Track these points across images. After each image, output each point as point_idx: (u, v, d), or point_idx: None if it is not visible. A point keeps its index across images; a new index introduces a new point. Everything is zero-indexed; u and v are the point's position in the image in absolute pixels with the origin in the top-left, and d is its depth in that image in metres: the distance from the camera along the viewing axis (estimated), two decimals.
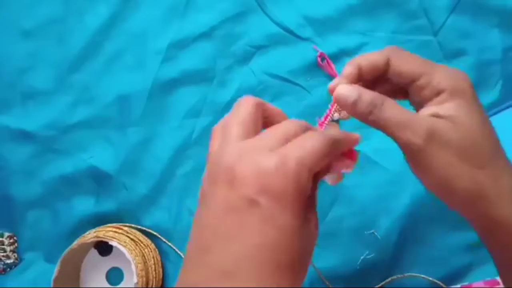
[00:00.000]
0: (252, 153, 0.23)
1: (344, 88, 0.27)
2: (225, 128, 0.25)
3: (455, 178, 0.26)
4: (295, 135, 0.24)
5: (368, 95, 0.27)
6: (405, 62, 0.27)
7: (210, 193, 0.23)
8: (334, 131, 0.27)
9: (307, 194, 0.23)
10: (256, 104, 0.26)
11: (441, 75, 0.27)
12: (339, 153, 0.27)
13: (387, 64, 0.28)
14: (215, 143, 0.26)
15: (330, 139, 0.24)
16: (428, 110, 0.27)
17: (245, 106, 0.26)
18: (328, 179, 0.30)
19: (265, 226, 0.22)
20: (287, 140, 0.24)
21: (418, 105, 0.28)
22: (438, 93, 0.26)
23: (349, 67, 0.28)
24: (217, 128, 0.27)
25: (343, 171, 0.29)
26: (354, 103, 0.27)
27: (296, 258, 0.23)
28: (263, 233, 0.22)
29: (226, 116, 0.27)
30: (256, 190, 0.22)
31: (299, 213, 0.23)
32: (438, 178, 0.26)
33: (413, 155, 0.26)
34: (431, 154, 0.26)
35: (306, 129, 0.25)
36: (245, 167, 0.22)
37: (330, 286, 0.44)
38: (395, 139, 0.26)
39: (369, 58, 0.28)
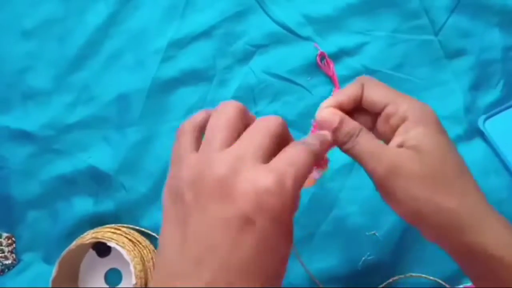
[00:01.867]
0: (248, 167, 0.22)
1: (328, 113, 0.29)
2: (209, 131, 0.24)
3: (422, 209, 0.26)
4: (278, 137, 0.24)
5: (347, 125, 0.28)
6: (376, 92, 0.29)
7: (194, 208, 0.22)
8: (313, 140, 0.27)
9: (296, 210, 0.24)
10: (241, 110, 0.25)
11: (407, 104, 0.28)
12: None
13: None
14: (185, 143, 0.25)
15: (314, 151, 0.25)
16: (395, 141, 0.28)
17: (231, 110, 0.25)
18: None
19: (259, 244, 0.21)
20: (273, 148, 0.24)
21: (386, 137, 0.29)
22: (403, 120, 0.28)
23: (328, 101, 0.29)
24: (186, 128, 0.26)
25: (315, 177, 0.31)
26: (335, 130, 0.28)
27: (281, 275, 0.23)
28: (255, 251, 0.21)
29: (197, 116, 0.26)
30: (253, 209, 0.21)
31: (291, 230, 0.23)
32: (406, 209, 0.27)
33: (380, 186, 0.27)
34: (395, 185, 0.26)
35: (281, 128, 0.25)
36: (242, 183, 0.22)
37: (324, 287, 0.44)
38: (365, 169, 0.28)
39: (346, 92, 0.29)
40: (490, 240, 0.25)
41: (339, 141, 0.29)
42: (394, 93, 0.29)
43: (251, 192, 0.21)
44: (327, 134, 0.28)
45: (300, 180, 0.23)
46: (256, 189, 0.21)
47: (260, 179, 0.22)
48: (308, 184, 0.31)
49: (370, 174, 0.27)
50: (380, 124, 0.29)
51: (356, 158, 0.28)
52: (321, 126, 0.29)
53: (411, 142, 0.27)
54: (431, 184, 0.26)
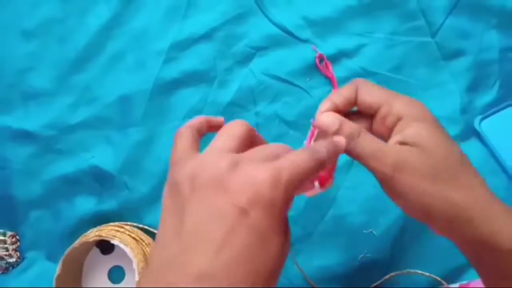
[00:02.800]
0: (246, 164, 0.23)
1: (327, 117, 0.29)
2: (215, 137, 0.26)
3: (431, 203, 0.27)
4: (284, 153, 0.25)
5: (347, 126, 0.29)
6: (369, 93, 0.30)
7: (191, 199, 0.23)
8: (322, 144, 0.27)
9: (289, 208, 0.24)
10: (249, 128, 0.27)
11: (401, 103, 0.28)
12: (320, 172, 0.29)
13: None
14: (183, 145, 0.27)
15: (318, 158, 0.25)
16: (393, 139, 0.28)
17: (239, 125, 0.27)
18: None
19: (251, 236, 0.22)
20: (277, 156, 0.24)
21: (383, 138, 0.29)
22: (398, 119, 0.28)
23: (325, 104, 0.30)
24: (184, 131, 0.28)
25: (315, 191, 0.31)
26: (335, 133, 0.29)
27: (273, 273, 0.23)
28: (248, 242, 0.22)
29: (195, 120, 0.29)
30: (248, 200, 0.22)
31: (284, 227, 0.23)
32: (413, 204, 0.27)
33: (386, 183, 0.28)
34: (401, 182, 0.27)
35: (290, 151, 0.26)
36: (239, 176, 0.22)
37: (318, 287, 0.44)
38: (368, 168, 0.28)
39: (342, 93, 0.30)
40: (499, 229, 0.26)
41: None
42: (388, 93, 0.29)
43: (247, 184, 0.22)
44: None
45: (296, 179, 0.23)
46: (252, 181, 0.22)
47: (257, 173, 0.22)
48: (309, 193, 0.31)
49: (374, 173, 0.28)
50: (376, 125, 0.30)
51: (359, 159, 0.28)
52: (321, 130, 0.29)
53: (411, 139, 0.27)
54: (437, 179, 0.26)
